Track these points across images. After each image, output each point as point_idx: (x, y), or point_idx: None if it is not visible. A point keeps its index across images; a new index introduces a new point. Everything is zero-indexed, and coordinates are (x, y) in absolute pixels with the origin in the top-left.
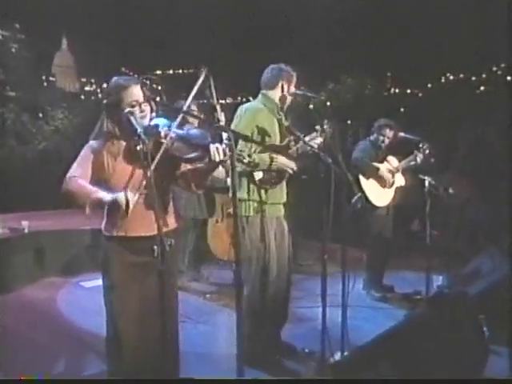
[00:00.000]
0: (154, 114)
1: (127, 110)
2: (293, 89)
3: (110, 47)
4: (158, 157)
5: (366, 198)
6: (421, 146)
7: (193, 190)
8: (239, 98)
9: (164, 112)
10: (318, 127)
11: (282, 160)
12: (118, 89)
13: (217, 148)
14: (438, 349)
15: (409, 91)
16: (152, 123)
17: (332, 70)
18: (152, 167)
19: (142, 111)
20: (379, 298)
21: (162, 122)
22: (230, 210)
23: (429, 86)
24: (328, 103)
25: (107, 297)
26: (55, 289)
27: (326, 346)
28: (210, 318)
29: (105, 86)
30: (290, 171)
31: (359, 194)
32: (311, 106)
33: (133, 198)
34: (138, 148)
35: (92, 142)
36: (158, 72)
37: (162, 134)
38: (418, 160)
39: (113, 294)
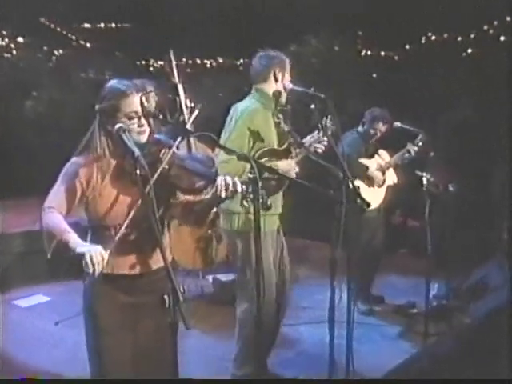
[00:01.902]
0: (153, 130)
1: (119, 125)
2: (287, 77)
3: None
4: (153, 181)
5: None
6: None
7: (191, 225)
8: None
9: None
10: (319, 125)
11: (282, 166)
12: (116, 95)
13: (225, 182)
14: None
15: (383, 54)
16: (150, 141)
17: (294, 30)
18: (152, 195)
19: (140, 125)
20: (367, 311)
21: (161, 140)
22: None
23: (407, 47)
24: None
25: (94, 344)
26: None
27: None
28: (183, 344)
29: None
30: (293, 175)
31: None
32: (312, 106)
33: (106, 257)
34: (136, 173)
35: (76, 160)
36: (87, 25)
37: (161, 156)
38: (412, 152)
39: (102, 341)
